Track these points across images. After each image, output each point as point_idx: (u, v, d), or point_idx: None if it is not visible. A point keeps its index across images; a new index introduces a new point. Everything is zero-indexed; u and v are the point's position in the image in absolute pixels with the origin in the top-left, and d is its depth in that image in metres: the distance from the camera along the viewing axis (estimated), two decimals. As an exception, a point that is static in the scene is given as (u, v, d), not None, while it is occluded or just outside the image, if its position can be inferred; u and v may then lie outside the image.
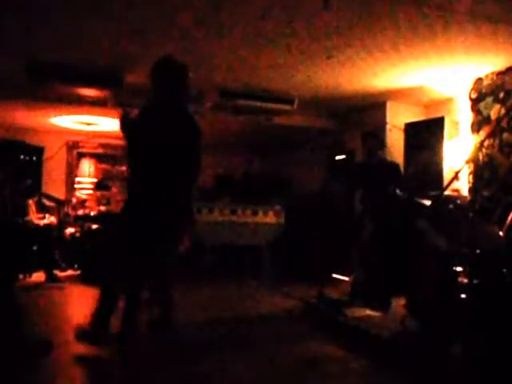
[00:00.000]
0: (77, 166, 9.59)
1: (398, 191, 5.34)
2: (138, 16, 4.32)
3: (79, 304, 5.94)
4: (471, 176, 5.85)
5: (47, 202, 7.54)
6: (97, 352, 3.61)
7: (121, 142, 9.83)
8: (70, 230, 7.93)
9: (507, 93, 5.45)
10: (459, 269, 3.42)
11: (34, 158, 8.54)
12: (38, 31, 4.68)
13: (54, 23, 4.47)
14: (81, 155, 9.66)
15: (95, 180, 9.60)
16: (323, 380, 3.27)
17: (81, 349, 3.58)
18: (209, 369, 3.34)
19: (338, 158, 8.21)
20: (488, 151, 5.61)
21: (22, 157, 8.27)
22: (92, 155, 9.71)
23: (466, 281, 3.32)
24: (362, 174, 5.76)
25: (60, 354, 3.54)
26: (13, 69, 5.59)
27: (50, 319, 4.73)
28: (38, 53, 5.28)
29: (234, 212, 7.41)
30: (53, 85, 5.86)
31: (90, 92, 6.25)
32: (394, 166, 5.76)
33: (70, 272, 7.58)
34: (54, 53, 5.28)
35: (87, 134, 8.96)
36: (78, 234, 7.78)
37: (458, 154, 5.83)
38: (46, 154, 8.85)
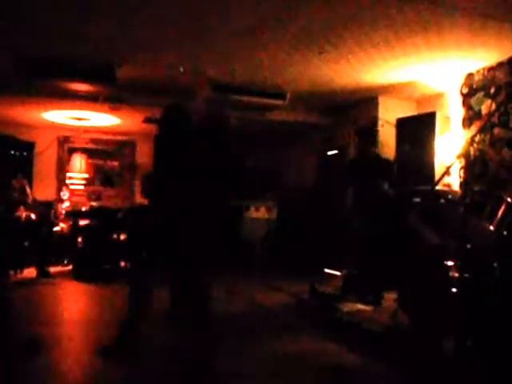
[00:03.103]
0: (68, 161, 9.53)
1: (389, 188, 5.38)
2: (131, 11, 4.29)
3: (71, 300, 5.93)
4: (462, 171, 5.87)
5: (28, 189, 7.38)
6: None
7: (112, 137, 9.90)
8: (61, 225, 7.90)
9: (498, 88, 5.47)
10: (450, 263, 3.44)
11: (25, 153, 8.51)
12: (30, 26, 4.63)
13: (45, 18, 4.43)
14: (72, 150, 9.60)
15: (87, 175, 9.57)
16: (315, 374, 3.28)
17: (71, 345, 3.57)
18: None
19: (329, 153, 8.22)
20: (479, 146, 5.64)
21: (12, 152, 8.22)
22: (83, 150, 9.66)
23: (456, 275, 3.34)
24: (355, 171, 5.76)
25: (52, 350, 3.53)
26: (3, 63, 5.53)
27: (42, 315, 4.71)
28: (29, 47, 5.23)
29: (226, 207, 7.40)
30: (44, 80, 5.81)
31: (82, 87, 6.21)
32: (387, 162, 5.78)
33: (61, 267, 7.56)
34: (45, 47, 5.24)
35: (78, 129, 8.91)
36: (69, 230, 7.75)
37: (450, 149, 5.86)
38: (37, 149, 8.82)
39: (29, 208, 7.04)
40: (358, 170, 5.67)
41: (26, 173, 7.91)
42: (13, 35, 4.85)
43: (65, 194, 8.56)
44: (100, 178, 9.79)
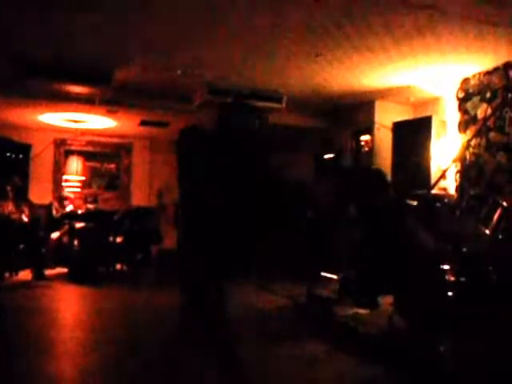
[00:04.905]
0: (64, 163, 9.51)
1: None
2: (128, 15, 4.30)
3: (66, 303, 5.90)
4: (458, 175, 5.90)
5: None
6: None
7: (109, 140, 9.88)
8: (55, 234, 7.83)
9: (494, 92, 5.50)
10: (446, 267, 3.45)
11: (21, 156, 8.48)
12: (27, 28, 4.62)
13: (43, 20, 4.42)
14: (68, 153, 9.58)
15: (83, 178, 9.54)
16: (311, 379, 3.27)
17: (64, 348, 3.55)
18: (196, 368, 3.33)
19: (326, 157, 8.21)
20: (475, 150, 5.66)
21: (8, 154, 8.19)
22: (80, 153, 9.64)
23: (452, 278, 3.35)
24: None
25: (46, 352, 3.52)
26: (0, 65, 5.52)
27: (35, 318, 4.68)
28: (26, 50, 5.22)
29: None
30: (42, 82, 5.80)
31: (78, 89, 6.20)
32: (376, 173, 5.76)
33: (57, 270, 7.52)
34: (42, 50, 5.23)
35: (75, 131, 8.89)
36: (65, 233, 7.71)
37: (446, 153, 5.87)
38: (34, 152, 8.79)
39: (23, 210, 7.02)
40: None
41: (22, 175, 7.89)
42: (11, 38, 4.85)
43: (68, 206, 8.46)
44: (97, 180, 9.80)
